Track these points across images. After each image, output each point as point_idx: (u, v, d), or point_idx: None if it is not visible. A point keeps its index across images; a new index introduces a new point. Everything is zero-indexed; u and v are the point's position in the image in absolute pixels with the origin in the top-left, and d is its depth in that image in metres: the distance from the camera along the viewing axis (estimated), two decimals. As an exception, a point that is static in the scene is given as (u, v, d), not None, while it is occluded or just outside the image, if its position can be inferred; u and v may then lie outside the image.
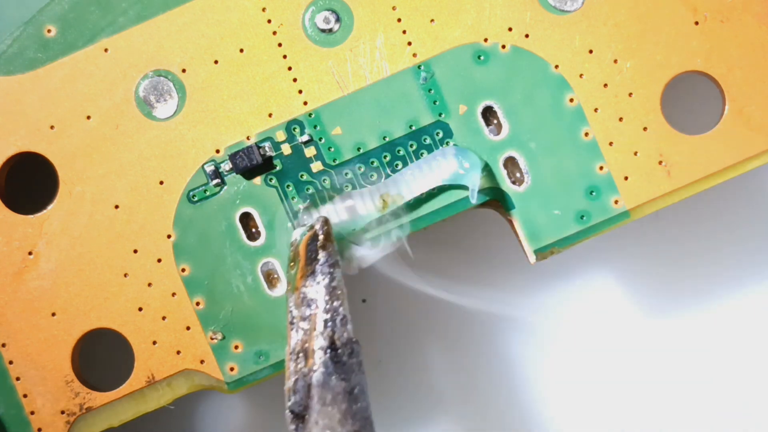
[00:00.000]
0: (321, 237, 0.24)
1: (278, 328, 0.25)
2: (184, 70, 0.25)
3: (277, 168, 0.25)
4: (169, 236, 0.25)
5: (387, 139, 0.25)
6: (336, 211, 0.25)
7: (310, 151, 0.25)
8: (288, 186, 0.25)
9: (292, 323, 0.23)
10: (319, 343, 0.22)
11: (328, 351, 0.22)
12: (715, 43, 0.25)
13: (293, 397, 0.22)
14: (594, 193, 0.25)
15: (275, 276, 0.25)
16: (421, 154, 0.25)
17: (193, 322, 0.25)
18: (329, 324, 0.23)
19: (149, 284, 0.25)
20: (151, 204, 0.25)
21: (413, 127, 0.25)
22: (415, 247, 0.29)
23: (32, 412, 0.25)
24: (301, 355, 0.23)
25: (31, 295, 0.25)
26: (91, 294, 0.25)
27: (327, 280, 0.23)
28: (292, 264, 0.24)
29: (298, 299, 0.23)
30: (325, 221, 0.24)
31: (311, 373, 0.22)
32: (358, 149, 0.25)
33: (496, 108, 0.25)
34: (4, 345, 0.25)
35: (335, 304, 0.23)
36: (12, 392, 0.25)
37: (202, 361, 0.25)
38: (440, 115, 0.25)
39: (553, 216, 0.25)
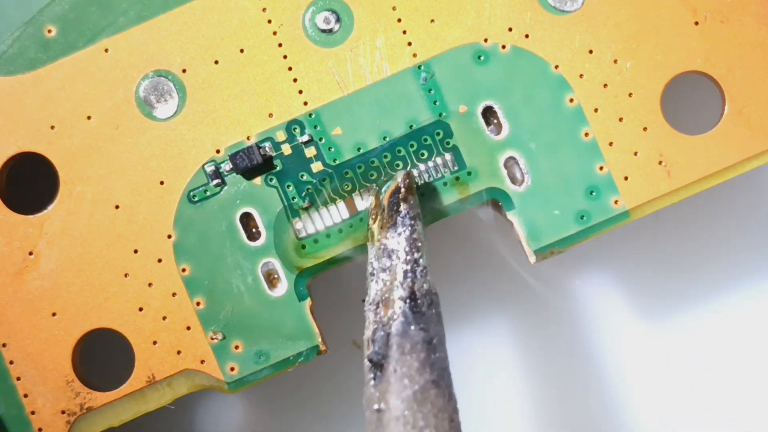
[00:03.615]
0: (403, 190, 0.24)
1: (278, 327, 0.25)
2: (184, 71, 0.25)
3: (278, 168, 0.25)
4: (169, 236, 0.25)
5: (387, 139, 0.25)
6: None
7: (310, 152, 0.25)
8: (288, 186, 0.25)
9: (372, 274, 0.24)
10: (399, 293, 0.23)
11: (408, 301, 0.23)
12: (715, 43, 0.25)
13: (372, 346, 0.23)
14: (594, 193, 0.25)
15: (275, 276, 0.25)
16: (422, 154, 0.25)
17: (194, 322, 0.25)
18: (409, 275, 0.23)
19: (150, 284, 0.25)
20: (151, 204, 0.25)
21: (413, 127, 0.25)
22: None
23: (33, 412, 0.25)
24: (380, 305, 0.23)
25: (32, 295, 0.25)
26: (92, 294, 0.25)
27: (408, 232, 0.24)
28: (373, 216, 0.24)
29: (379, 250, 0.24)
30: (408, 174, 0.25)
31: (391, 322, 0.23)
32: (359, 149, 0.25)
33: (496, 108, 0.25)
34: (4, 345, 0.25)
35: (416, 255, 0.23)
36: (12, 392, 0.25)
37: (202, 361, 0.25)
38: (440, 115, 0.25)
39: (553, 216, 0.25)
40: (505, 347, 0.30)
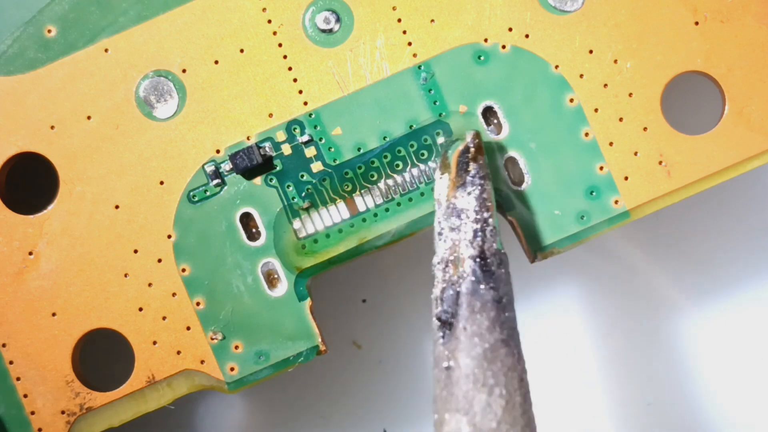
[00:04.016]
0: (472, 149, 0.24)
1: (278, 328, 0.25)
2: (184, 71, 0.25)
3: (278, 168, 0.25)
4: (169, 236, 0.25)
5: (387, 139, 0.25)
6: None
7: (310, 152, 0.25)
8: (288, 186, 0.25)
9: (440, 233, 0.24)
10: (469, 252, 0.23)
11: (478, 260, 0.23)
12: (715, 43, 0.25)
13: (441, 304, 0.23)
14: (594, 193, 0.25)
15: (275, 276, 0.25)
16: (422, 155, 0.25)
17: (194, 322, 0.25)
18: (479, 234, 0.23)
19: (149, 284, 0.25)
20: (151, 204, 0.25)
21: (413, 127, 0.25)
22: (415, 248, 0.29)
23: (32, 412, 0.25)
24: (449, 264, 0.23)
25: (32, 295, 0.25)
26: (92, 294, 0.25)
27: (478, 192, 0.24)
28: (441, 175, 0.24)
29: (448, 209, 0.24)
30: (477, 135, 0.25)
31: (460, 280, 0.23)
32: (359, 149, 0.25)
33: (496, 108, 0.25)
34: (4, 345, 0.25)
35: (485, 215, 0.23)
36: (12, 392, 0.25)
37: (202, 361, 0.25)
38: (440, 115, 0.25)
39: (553, 216, 0.25)
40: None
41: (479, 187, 0.24)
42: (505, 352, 0.22)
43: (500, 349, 0.22)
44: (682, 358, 0.31)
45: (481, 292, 0.22)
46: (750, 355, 0.31)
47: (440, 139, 0.25)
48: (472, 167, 0.24)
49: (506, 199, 0.25)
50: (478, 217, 0.23)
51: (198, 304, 0.25)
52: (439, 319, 0.23)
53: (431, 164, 0.25)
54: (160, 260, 0.25)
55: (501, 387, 0.22)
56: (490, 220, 0.23)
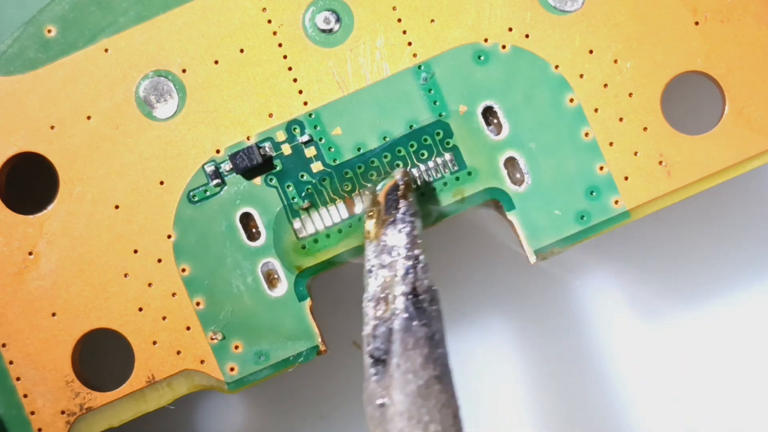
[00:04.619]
0: (402, 187, 0.24)
1: (278, 328, 0.25)
2: (184, 71, 0.25)
3: (278, 168, 0.25)
4: (169, 236, 0.25)
5: (387, 139, 0.25)
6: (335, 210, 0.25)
7: (310, 152, 0.25)
8: (288, 186, 0.25)
9: (370, 271, 0.24)
10: (401, 289, 0.23)
11: (410, 297, 0.23)
12: (715, 43, 0.25)
13: (373, 342, 0.23)
14: (594, 193, 0.25)
15: (275, 276, 0.25)
16: (422, 155, 0.25)
17: (194, 322, 0.25)
18: (411, 271, 0.23)
19: (149, 284, 0.25)
20: (151, 204, 0.25)
21: (413, 127, 0.25)
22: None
23: (32, 412, 0.25)
24: (381, 301, 0.23)
25: (32, 295, 0.25)
26: (92, 294, 0.25)
27: (408, 228, 0.24)
28: (370, 213, 0.24)
29: (378, 247, 0.24)
30: (406, 172, 0.25)
31: (393, 317, 0.23)
32: (359, 149, 0.25)
33: (496, 108, 0.25)
34: (4, 345, 0.25)
35: (416, 252, 0.23)
36: (12, 392, 0.25)
37: (202, 362, 0.25)
38: (440, 115, 0.25)
39: (553, 216, 0.25)
40: (505, 347, 0.30)
41: (410, 225, 0.24)
42: (439, 389, 0.22)
43: (434, 385, 0.22)
44: (687, 356, 0.31)
45: (413, 329, 0.23)
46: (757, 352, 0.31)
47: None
48: (402, 205, 0.24)
49: (506, 199, 0.25)
50: (410, 254, 0.23)
51: (198, 304, 0.25)
52: (371, 356, 0.23)
53: (431, 164, 0.25)
54: (160, 260, 0.25)
55: (436, 424, 0.22)
56: (421, 257, 0.23)
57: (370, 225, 0.24)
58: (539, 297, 0.30)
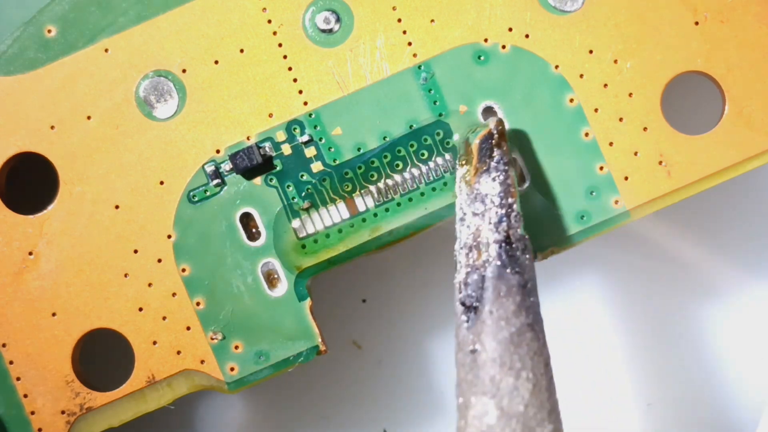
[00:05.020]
0: (496, 135, 0.24)
1: (278, 328, 0.25)
2: (184, 71, 0.25)
3: (278, 168, 0.25)
4: (169, 236, 0.25)
5: (387, 139, 0.25)
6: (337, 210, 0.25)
7: (310, 152, 0.25)
8: (288, 186, 0.25)
9: (462, 219, 0.24)
10: (494, 236, 0.23)
11: (504, 245, 0.23)
12: (715, 43, 0.25)
13: (465, 289, 0.23)
14: (594, 193, 0.25)
15: (275, 276, 0.25)
16: (422, 155, 0.25)
17: (194, 322, 0.25)
18: (504, 219, 0.23)
19: (149, 284, 0.25)
20: (151, 204, 0.25)
21: (413, 127, 0.25)
22: (415, 248, 0.29)
23: (32, 412, 0.25)
24: (473, 248, 0.23)
25: (32, 295, 0.25)
26: (92, 294, 0.25)
27: (502, 177, 0.24)
28: (463, 162, 0.24)
29: (471, 195, 0.24)
30: (500, 121, 0.25)
31: (486, 265, 0.23)
32: (359, 149, 0.25)
33: (496, 108, 0.25)
34: (4, 345, 0.25)
35: (510, 200, 0.23)
36: (12, 392, 0.25)
37: (202, 361, 0.25)
38: (440, 115, 0.25)
39: (554, 216, 0.25)
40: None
41: (503, 173, 0.24)
42: (531, 337, 0.22)
43: (526, 333, 0.22)
44: (688, 355, 0.31)
45: (506, 277, 0.22)
46: (759, 353, 0.31)
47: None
48: (496, 153, 0.24)
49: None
50: (503, 202, 0.23)
51: (198, 304, 0.25)
52: (463, 303, 0.22)
53: (431, 164, 0.25)
54: (160, 260, 0.25)
55: (528, 371, 0.22)
56: (515, 206, 0.23)
57: (461, 172, 0.24)
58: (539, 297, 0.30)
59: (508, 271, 0.23)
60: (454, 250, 0.23)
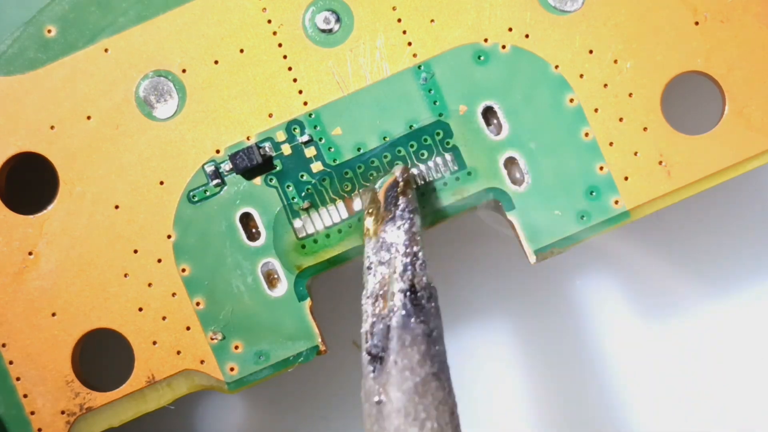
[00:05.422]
0: (401, 183, 0.24)
1: (278, 328, 0.25)
2: (184, 71, 0.25)
3: (278, 168, 0.25)
4: (169, 236, 0.25)
5: (387, 139, 0.25)
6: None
7: (310, 152, 0.25)
8: (288, 186, 0.25)
9: (369, 268, 0.24)
10: (399, 285, 0.23)
11: (408, 293, 0.23)
12: (715, 43, 0.25)
13: (371, 339, 0.23)
14: (594, 194, 0.25)
15: (275, 276, 0.25)
16: (422, 155, 0.25)
17: (193, 322, 0.25)
18: (409, 267, 0.23)
19: (149, 284, 0.25)
20: (151, 204, 0.25)
21: (413, 127, 0.25)
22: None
23: (32, 412, 0.25)
24: (379, 298, 0.23)
25: (32, 296, 0.25)
26: (92, 294, 0.25)
27: (407, 225, 0.24)
28: (370, 210, 0.24)
29: (377, 244, 0.24)
30: (405, 169, 0.25)
31: (391, 314, 0.23)
32: (358, 149, 0.25)
33: (496, 108, 0.25)
34: (4, 345, 0.25)
35: (415, 248, 0.23)
36: (12, 392, 0.25)
37: (202, 362, 0.25)
38: (440, 115, 0.25)
39: (553, 216, 0.25)
40: (505, 347, 0.30)
41: (408, 221, 0.24)
42: (436, 386, 0.22)
43: (431, 382, 0.22)
44: (688, 356, 0.31)
45: (411, 326, 0.22)
46: (759, 353, 0.31)
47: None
48: (402, 201, 0.24)
49: (506, 199, 0.25)
50: (408, 250, 0.23)
51: (198, 304, 0.25)
52: (369, 353, 0.22)
53: (431, 164, 0.25)
54: (160, 260, 0.25)
55: (432, 421, 0.22)
56: (420, 254, 0.23)
57: (369, 222, 0.24)
58: (539, 297, 0.30)
59: (413, 320, 0.22)
60: (361, 299, 0.24)
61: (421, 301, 0.23)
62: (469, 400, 0.29)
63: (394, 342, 0.22)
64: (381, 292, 0.23)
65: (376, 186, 0.25)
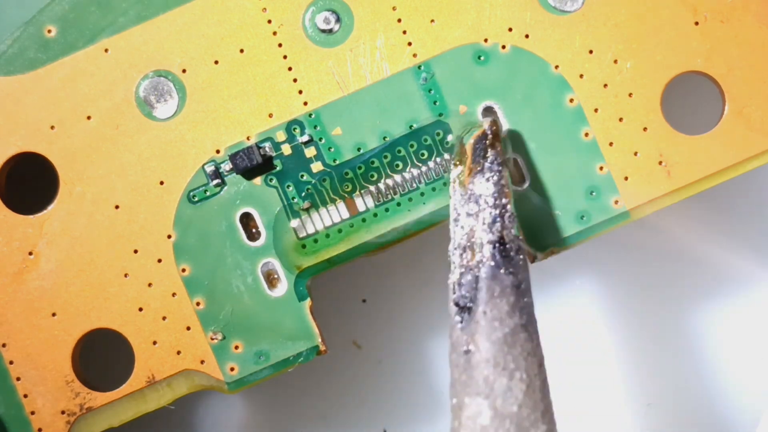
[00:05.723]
0: (490, 136, 0.24)
1: (278, 328, 0.25)
2: (184, 71, 0.25)
3: (278, 168, 0.25)
4: (169, 236, 0.25)
5: (387, 139, 0.25)
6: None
7: (310, 152, 0.25)
8: (288, 186, 0.25)
9: (456, 220, 0.24)
10: (488, 237, 0.23)
11: (497, 245, 0.23)
12: (715, 43, 0.25)
13: (459, 290, 0.23)
14: (594, 194, 0.25)
15: (275, 276, 0.25)
16: (422, 155, 0.25)
17: (194, 322, 0.25)
18: (498, 219, 0.23)
19: (149, 284, 0.25)
20: (151, 204, 0.25)
21: (413, 127, 0.25)
22: (415, 248, 0.29)
23: (32, 412, 0.25)
24: (467, 249, 0.23)
25: (32, 296, 0.25)
26: (92, 294, 0.25)
27: (496, 178, 0.24)
28: (457, 162, 0.24)
29: (465, 195, 0.24)
30: (494, 122, 0.25)
31: (479, 265, 0.23)
32: (358, 149, 0.25)
33: (496, 108, 0.25)
34: (4, 345, 0.25)
35: (504, 200, 0.23)
36: (12, 392, 0.25)
37: (202, 362, 0.25)
38: (440, 115, 0.25)
39: (553, 216, 0.25)
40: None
41: (497, 174, 0.24)
42: (525, 337, 0.22)
43: (520, 333, 0.22)
44: (688, 356, 0.31)
45: (500, 277, 0.22)
46: (758, 354, 0.31)
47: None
48: (490, 153, 0.24)
49: (506, 199, 0.25)
50: (497, 202, 0.23)
51: (198, 304, 0.25)
52: (456, 304, 0.23)
53: (431, 164, 0.25)
54: (160, 260, 0.25)
55: (521, 371, 0.22)
56: (509, 206, 0.23)
57: (455, 173, 0.24)
58: (539, 297, 0.30)
59: (502, 271, 0.23)
60: (448, 251, 0.23)
61: (510, 253, 0.23)
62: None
63: (482, 293, 0.22)
64: (468, 244, 0.23)
65: (464, 138, 0.25)
